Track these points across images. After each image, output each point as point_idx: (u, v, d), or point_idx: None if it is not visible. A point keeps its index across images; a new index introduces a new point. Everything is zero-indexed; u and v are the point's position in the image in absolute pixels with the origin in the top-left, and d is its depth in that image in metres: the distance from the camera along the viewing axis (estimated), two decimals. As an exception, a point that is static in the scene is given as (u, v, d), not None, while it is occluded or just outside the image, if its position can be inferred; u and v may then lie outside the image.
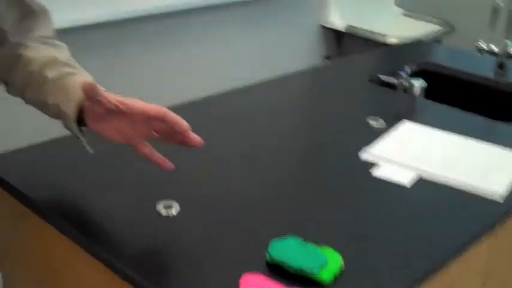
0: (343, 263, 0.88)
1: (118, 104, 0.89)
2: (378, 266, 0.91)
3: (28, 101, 1.02)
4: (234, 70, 2.71)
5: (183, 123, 0.89)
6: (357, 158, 1.23)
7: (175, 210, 1.01)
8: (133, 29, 2.37)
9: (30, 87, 1.00)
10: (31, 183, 1.07)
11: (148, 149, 0.94)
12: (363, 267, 0.90)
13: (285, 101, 1.55)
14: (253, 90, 1.59)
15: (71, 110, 0.94)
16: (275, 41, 2.96)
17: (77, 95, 0.93)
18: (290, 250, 0.89)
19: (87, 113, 0.93)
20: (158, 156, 0.95)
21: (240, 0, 2.68)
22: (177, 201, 1.03)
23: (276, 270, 0.87)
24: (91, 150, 0.98)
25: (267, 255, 0.89)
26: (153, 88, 2.37)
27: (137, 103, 0.90)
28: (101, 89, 0.88)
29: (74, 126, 0.95)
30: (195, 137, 0.91)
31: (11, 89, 1.05)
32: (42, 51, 1.02)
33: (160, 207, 1.01)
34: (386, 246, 0.96)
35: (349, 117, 1.44)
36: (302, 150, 1.31)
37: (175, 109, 0.92)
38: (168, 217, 0.99)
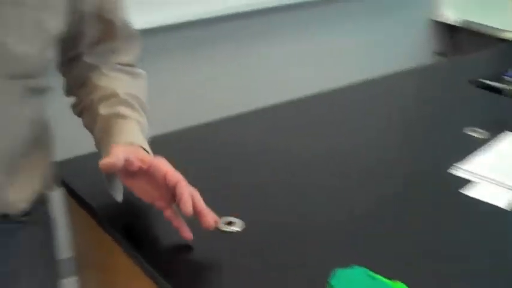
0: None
1: (141, 164, 0.86)
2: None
3: (83, 124, 1.02)
4: (337, 69, 2.60)
5: (185, 207, 0.84)
6: (449, 174, 1.10)
7: (237, 226, 0.95)
8: (217, 29, 2.33)
9: (87, 113, 1.00)
10: (94, 191, 1.05)
11: (170, 213, 0.89)
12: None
13: (378, 103, 1.44)
14: (348, 91, 1.50)
15: (105, 154, 0.91)
16: (382, 37, 2.81)
17: (110, 146, 0.91)
18: (354, 282, 0.80)
19: (119, 171, 0.89)
20: (180, 223, 0.89)
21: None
22: (240, 218, 0.96)
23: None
24: (118, 199, 0.95)
25: (328, 286, 0.80)
26: (252, 88, 2.35)
27: (159, 165, 0.87)
28: (124, 155, 0.85)
29: (103, 174, 0.92)
30: (207, 220, 0.86)
31: (74, 107, 1.05)
32: (110, 82, 1.01)
33: (222, 224, 0.95)
34: (471, 284, 0.84)
35: (445, 125, 1.31)
36: (386, 162, 1.18)
37: (273, 109, 0.85)
38: (229, 233, 0.93)
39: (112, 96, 0.98)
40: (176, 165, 0.89)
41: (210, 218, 0.86)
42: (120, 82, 1.01)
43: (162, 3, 2.06)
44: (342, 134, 1.28)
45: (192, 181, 0.89)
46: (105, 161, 0.83)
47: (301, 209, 1.02)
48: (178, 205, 0.85)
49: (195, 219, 0.87)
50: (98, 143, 0.96)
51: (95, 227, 1.02)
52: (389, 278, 0.81)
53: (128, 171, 0.87)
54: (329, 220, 0.98)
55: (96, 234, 1.02)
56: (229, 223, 0.95)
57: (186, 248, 0.90)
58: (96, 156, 0.93)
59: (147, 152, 0.92)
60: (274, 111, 1.39)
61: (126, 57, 1.05)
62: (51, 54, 0.91)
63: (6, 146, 0.88)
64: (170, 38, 2.18)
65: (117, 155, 0.84)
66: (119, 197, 0.95)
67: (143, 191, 0.90)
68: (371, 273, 0.82)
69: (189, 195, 0.85)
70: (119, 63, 1.04)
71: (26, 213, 0.96)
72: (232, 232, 0.94)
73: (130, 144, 0.90)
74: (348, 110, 1.40)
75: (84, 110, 1.01)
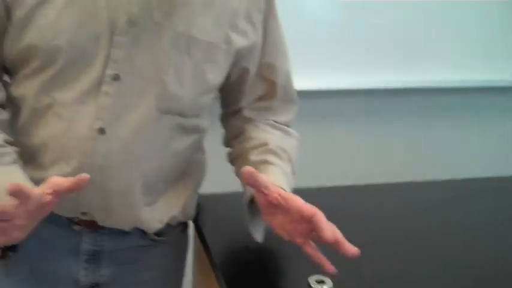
0: None
1: (278, 197, 0.88)
2: None
3: (235, 172, 1.09)
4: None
5: (327, 234, 0.84)
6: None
7: (327, 286, 0.98)
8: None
9: (238, 160, 1.08)
10: (213, 230, 1.14)
11: (310, 248, 0.90)
12: None
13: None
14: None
15: (247, 195, 0.97)
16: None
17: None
18: None
19: (259, 204, 0.92)
20: (321, 258, 0.89)
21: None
22: (331, 278, 0.99)
23: None
24: (258, 239, 0.99)
25: None
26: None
27: (295, 200, 0.88)
28: (266, 181, 0.88)
29: (245, 211, 0.98)
30: (349, 247, 0.84)
31: (229, 156, 1.13)
32: (263, 134, 1.08)
33: (312, 281, 0.98)
34: None
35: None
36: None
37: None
38: None
39: (263, 145, 1.05)
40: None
41: (351, 246, 0.85)
42: (272, 136, 1.08)
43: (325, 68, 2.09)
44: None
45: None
46: (249, 169, 0.86)
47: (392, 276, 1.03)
48: (318, 235, 0.85)
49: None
50: (244, 186, 1.00)
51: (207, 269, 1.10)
52: None
53: (270, 208, 0.90)
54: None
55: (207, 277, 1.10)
56: (321, 281, 0.98)
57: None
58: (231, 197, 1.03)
59: None
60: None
61: (282, 117, 1.12)
62: (206, 100, 1.01)
63: (147, 170, 0.98)
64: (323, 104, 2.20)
65: (261, 176, 0.87)
66: (259, 237, 1.00)
67: (282, 228, 0.91)
68: None
69: (328, 224, 0.86)
70: (275, 121, 1.11)
71: (161, 233, 1.08)
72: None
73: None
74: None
75: (236, 158, 1.09)
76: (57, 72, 0.91)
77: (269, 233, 1.07)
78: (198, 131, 1.05)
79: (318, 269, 1.00)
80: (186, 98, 0.96)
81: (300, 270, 1.02)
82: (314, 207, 0.87)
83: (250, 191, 0.94)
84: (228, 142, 1.15)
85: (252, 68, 1.06)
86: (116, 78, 0.91)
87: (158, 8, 0.91)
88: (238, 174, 1.06)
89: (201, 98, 0.99)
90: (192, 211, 1.14)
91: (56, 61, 0.90)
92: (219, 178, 1.25)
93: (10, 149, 0.92)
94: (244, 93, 1.08)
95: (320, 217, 0.85)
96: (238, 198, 1.00)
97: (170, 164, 1.02)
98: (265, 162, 1.01)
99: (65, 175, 0.82)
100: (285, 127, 1.12)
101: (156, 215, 1.05)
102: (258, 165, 1.00)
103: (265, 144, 1.04)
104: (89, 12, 0.88)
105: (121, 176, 0.96)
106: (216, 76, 0.99)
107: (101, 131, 0.92)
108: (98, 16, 0.89)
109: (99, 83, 0.91)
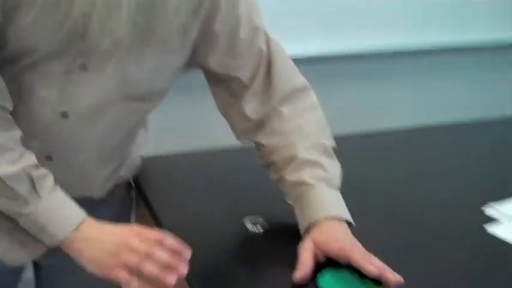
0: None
1: (339, 254, 0.91)
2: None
3: (271, 177, 1.06)
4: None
5: (368, 267, 0.87)
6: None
7: (262, 226, 1.04)
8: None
9: (273, 174, 1.05)
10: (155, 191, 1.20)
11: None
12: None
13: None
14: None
15: (303, 227, 0.98)
16: None
17: (306, 221, 0.97)
18: (341, 282, 0.87)
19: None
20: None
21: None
22: (264, 217, 1.06)
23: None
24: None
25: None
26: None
27: (354, 257, 0.89)
28: (314, 252, 0.92)
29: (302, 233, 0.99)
30: (392, 277, 0.87)
31: (259, 150, 1.08)
32: (286, 138, 1.04)
33: (247, 222, 1.05)
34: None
35: None
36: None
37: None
38: (254, 233, 1.03)
39: (293, 159, 1.01)
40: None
41: (394, 275, 0.87)
42: (294, 136, 1.03)
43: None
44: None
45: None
46: (298, 276, 0.89)
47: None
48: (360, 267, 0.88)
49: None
50: (292, 202, 1.02)
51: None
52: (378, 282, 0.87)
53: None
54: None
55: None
56: (255, 223, 1.05)
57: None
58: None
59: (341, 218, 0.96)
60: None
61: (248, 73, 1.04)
62: (165, 86, 1.02)
63: (104, 148, 1.02)
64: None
65: (307, 263, 0.90)
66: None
67: None
68: (356, 275, 0.88)
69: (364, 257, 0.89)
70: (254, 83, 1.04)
71: (107, 194, 1.12)
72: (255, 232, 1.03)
73: (327, 219, 0.95)
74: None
75: (268, 165, 1.06)
76: (28, 63, 0.93)
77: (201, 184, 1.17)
78: (153, 109, 1.08)
79: (253, 210, 1.08)
80: (146, 84, 0.99)
81: (237, 212, 1.08)
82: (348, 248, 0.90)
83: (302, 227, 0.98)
84: (249, 131, 1.08)
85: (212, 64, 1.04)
86: (83, 68, 0.93)
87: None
88: (275, 181, 1.05)
89: (159, 84, 1.01)
90: (136, 170, 1.20)
91: (30, 56, 0.92)
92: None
93: (46, 171, 0.94)
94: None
95: (356, 253, 0.90)
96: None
97: (125, 139, 1.08)
98: (304, 183, 1.00)
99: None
100: (297, 103, 1.06)
101: (106, 184, 1.11)
102: (297, 188, 1.00)
103: (294, 157, 1.02)
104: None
105: (81, 154, 1.01)
106: (175, 63, 1.01)
107: (64, 114, 0.95)
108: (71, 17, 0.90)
109: (67, 72, 0.93)
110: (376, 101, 2.39)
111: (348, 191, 1.02)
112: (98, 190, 1.09)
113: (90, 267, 0.90)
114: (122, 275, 0.85)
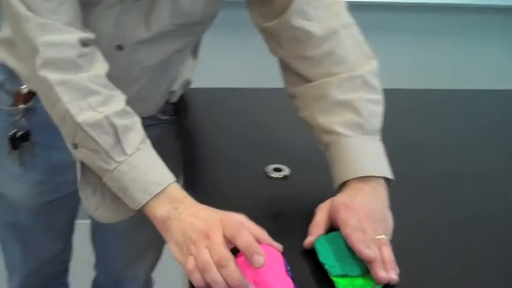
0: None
1: (340, 228, 0.82)
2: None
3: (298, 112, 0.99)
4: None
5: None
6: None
7: (284, 173, 1.03)
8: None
9: (301, 111, 0.98)
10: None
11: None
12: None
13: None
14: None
15: (335, 184, 0.90)
16: None
17: (337, 178, 0.89)
18: (334, 243, 0.83)
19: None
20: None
21: None
22: (288, 165, 1.05)
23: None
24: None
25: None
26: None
27: (352, 239, 0.80)
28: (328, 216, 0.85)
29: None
30: (381, 275, 0.76)
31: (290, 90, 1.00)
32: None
33: (270, 170, 1.04)
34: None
35: None
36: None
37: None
38: (277, 179, 1.02)
39: (322, 98, 0.93)
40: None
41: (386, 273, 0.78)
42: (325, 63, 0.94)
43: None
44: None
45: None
46: (308, 241, 0.82)
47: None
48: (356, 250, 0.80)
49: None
50: (322, 148, 0.95)
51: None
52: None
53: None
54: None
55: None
56: (278, 169, 1.04)
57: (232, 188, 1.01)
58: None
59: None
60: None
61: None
62: (216, 11, 1.01)
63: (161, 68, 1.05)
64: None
65: (319, 224, 0.84)
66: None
67: None
68: None
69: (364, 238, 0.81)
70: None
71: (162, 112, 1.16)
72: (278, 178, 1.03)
73: (357, 179, 0.86)
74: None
75: (295, 99, 0.99)
76: None
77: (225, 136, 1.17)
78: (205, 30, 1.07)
79: (275, 159, 1.07)
80: (199, 14, 0.98)
81: (259, 160, 1.07)
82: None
83: (337, 179, 0.90)
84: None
85: None
86: None
87: None
88: (302, 117, 0.98)
89: (211, 11, 1.01)
90: (184, 88, 1.22)
91: None
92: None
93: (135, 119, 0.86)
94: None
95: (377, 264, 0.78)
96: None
97: (180, 57, 1.10)
98: (333, 132, 0.90)
99: None
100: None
101: (160, 101, 1.14)
102: (327, 135, 0.91)
103: (324, 97, 0.92)
104: None
105: (136, 83, 1.03)
106: None
107: (119, 47, 0.96)
108: None
109: (121, 1, 0.91)
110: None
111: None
112: (151, 107, 1.12)
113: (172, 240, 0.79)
114: (189, 266, 0.74)
